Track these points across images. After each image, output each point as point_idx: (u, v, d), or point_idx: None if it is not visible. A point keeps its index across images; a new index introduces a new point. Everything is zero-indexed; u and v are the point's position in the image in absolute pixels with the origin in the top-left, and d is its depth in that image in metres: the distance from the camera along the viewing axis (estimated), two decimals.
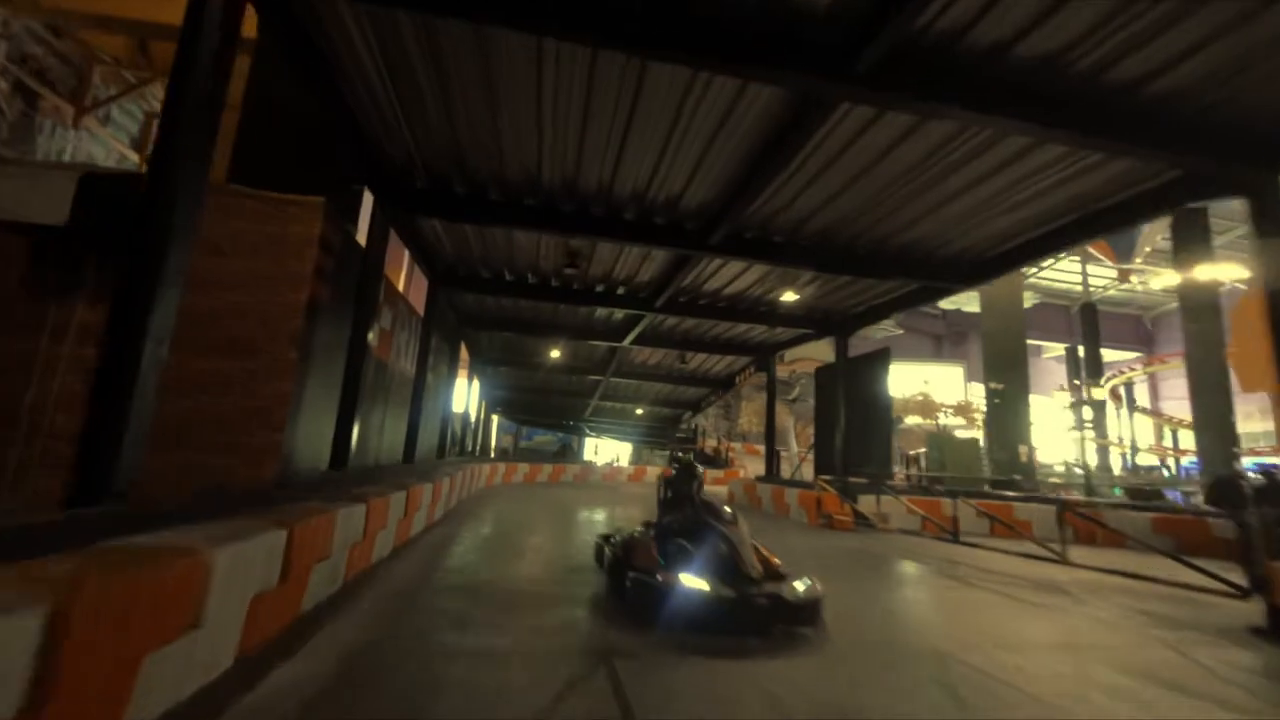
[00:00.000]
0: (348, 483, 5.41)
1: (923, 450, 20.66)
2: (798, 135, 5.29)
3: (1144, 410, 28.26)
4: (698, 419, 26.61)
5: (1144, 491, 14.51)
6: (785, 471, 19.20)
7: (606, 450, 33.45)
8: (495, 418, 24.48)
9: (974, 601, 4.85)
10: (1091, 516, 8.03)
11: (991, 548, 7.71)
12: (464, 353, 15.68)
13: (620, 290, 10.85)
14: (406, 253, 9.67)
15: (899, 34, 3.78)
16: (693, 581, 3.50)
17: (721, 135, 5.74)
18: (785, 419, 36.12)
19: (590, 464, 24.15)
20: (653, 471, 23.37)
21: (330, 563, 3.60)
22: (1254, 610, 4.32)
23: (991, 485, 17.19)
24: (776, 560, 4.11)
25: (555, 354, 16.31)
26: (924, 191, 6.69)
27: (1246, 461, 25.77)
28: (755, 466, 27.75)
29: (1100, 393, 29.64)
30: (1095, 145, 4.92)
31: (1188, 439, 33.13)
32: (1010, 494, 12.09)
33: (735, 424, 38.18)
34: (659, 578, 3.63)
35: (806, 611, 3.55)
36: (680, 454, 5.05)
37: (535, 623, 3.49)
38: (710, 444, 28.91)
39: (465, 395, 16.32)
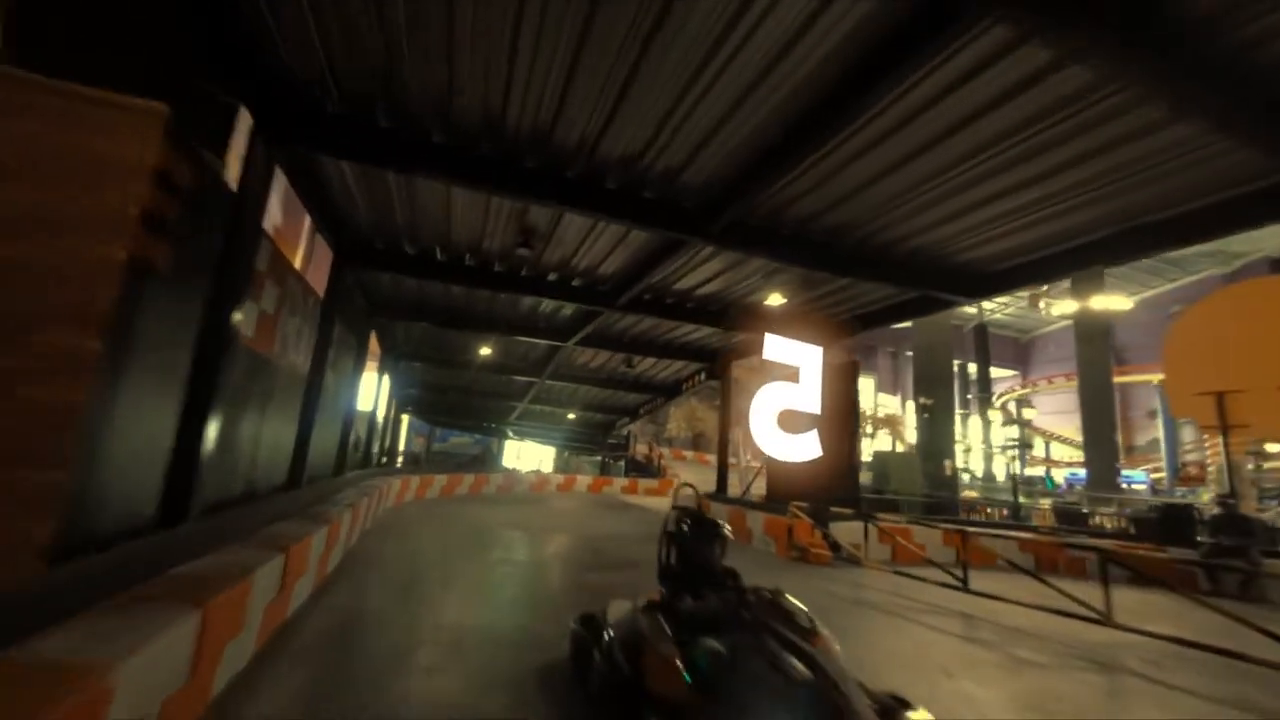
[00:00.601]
0: (178, 549, 3.41)
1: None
2: (859, 101, 4.02)
3: (1030, 425, 30.31)
4: (631, 426, 25.27)
5: (1071, 513, 14.90)
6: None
7: (529, 454, 31.23)
8: (406, 418, 21.72)
9: None
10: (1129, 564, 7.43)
11: (1016, 600, 6.37)
12: (374, 345, 13.24)
13: (576, 282, 9.16)
14: (307, 219, 7.41)
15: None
16: None
17: (761, 90, 4.35)
18: (712, 423, 35.82)
19: (514, 472, 22.06)
20: (583, 481, 21.69)
21: None
22: None
23: (926, 502, 17.18)
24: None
25: (486, 351, 14.24)
26: (952, 195, 5.72)
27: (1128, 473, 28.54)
28: (689, 474, 26.92)
29: (994, 411, 31.78)
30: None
31: (1058, 450, 36.65)
32: (1035, 531, 11.46)
33: (663, 429, 37.39)
34: None
35: None
36: (681, 507, 3.22)
37: None
38: (641, 450, 27.69)
39: (374, 394, 13.84)
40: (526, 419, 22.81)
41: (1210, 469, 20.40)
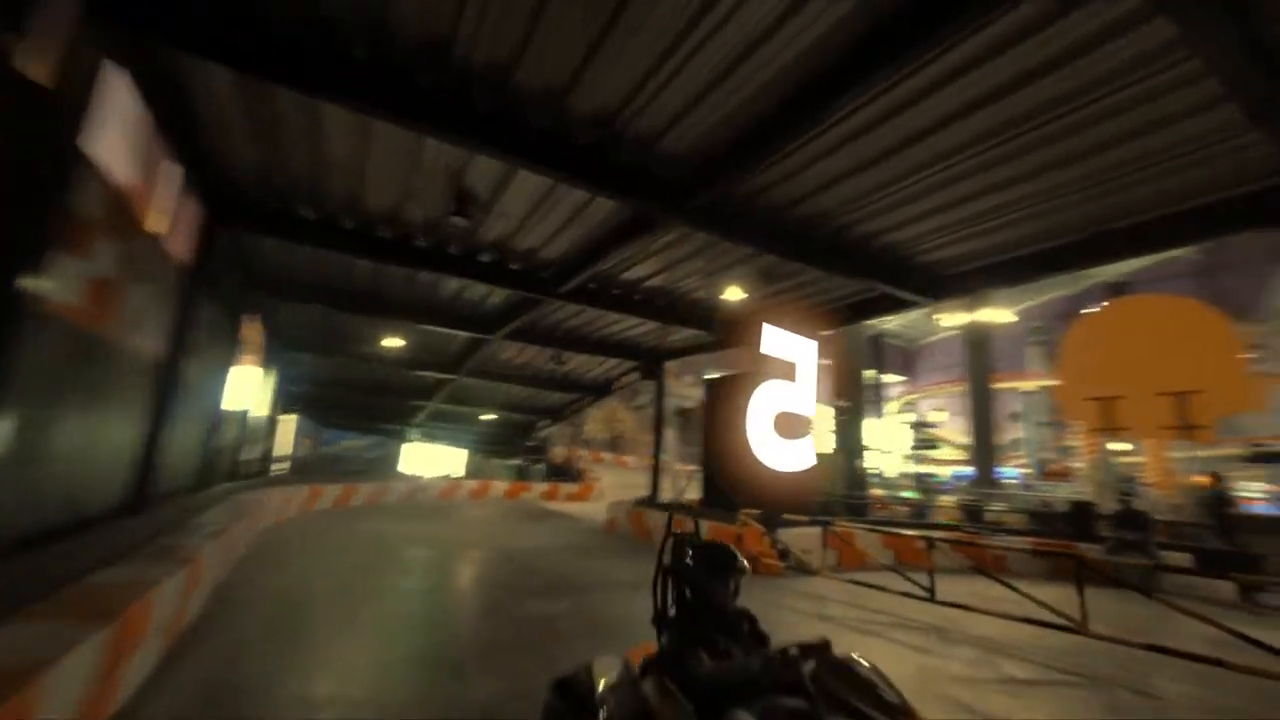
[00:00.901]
0: None
1: None
2: (859, 82, 3.51)
3: (935, 427, 32.87)
4: (552, 427, 24.01)
5: (973, 509, 15.83)
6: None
7: (437, 458, 28.77)
8: (294, 418, 18.99)
9: None
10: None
11: (987, 610, 5.92)
12: (256, 331, 11.10)
13: (515, 265, 8.03)
14: (173, 165, 5.69)
15: None
16: None
17: (757, 57, 3.74)
18: (632, 424, 35.45)
19: (419, 479, 19.97)
20: (499, 487, 20.16)
21: None
22: None
23: (848, 502, 17.63)
24: None
25: (395, 343, 12.50)
26: (928, 193, 5.49)
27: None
28: (609, 478, 26.02)
29: (896, 415, 34.19)
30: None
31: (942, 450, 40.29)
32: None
33: (579, 430, 36.30)
34: None
35: None
36: (680, 533, 2.25)
37: None
38: (560, 453, 26.49)
39: (254, 390, 11.63)
40: (437, 420, 20.81)
41: (1078, 466, 22.77)
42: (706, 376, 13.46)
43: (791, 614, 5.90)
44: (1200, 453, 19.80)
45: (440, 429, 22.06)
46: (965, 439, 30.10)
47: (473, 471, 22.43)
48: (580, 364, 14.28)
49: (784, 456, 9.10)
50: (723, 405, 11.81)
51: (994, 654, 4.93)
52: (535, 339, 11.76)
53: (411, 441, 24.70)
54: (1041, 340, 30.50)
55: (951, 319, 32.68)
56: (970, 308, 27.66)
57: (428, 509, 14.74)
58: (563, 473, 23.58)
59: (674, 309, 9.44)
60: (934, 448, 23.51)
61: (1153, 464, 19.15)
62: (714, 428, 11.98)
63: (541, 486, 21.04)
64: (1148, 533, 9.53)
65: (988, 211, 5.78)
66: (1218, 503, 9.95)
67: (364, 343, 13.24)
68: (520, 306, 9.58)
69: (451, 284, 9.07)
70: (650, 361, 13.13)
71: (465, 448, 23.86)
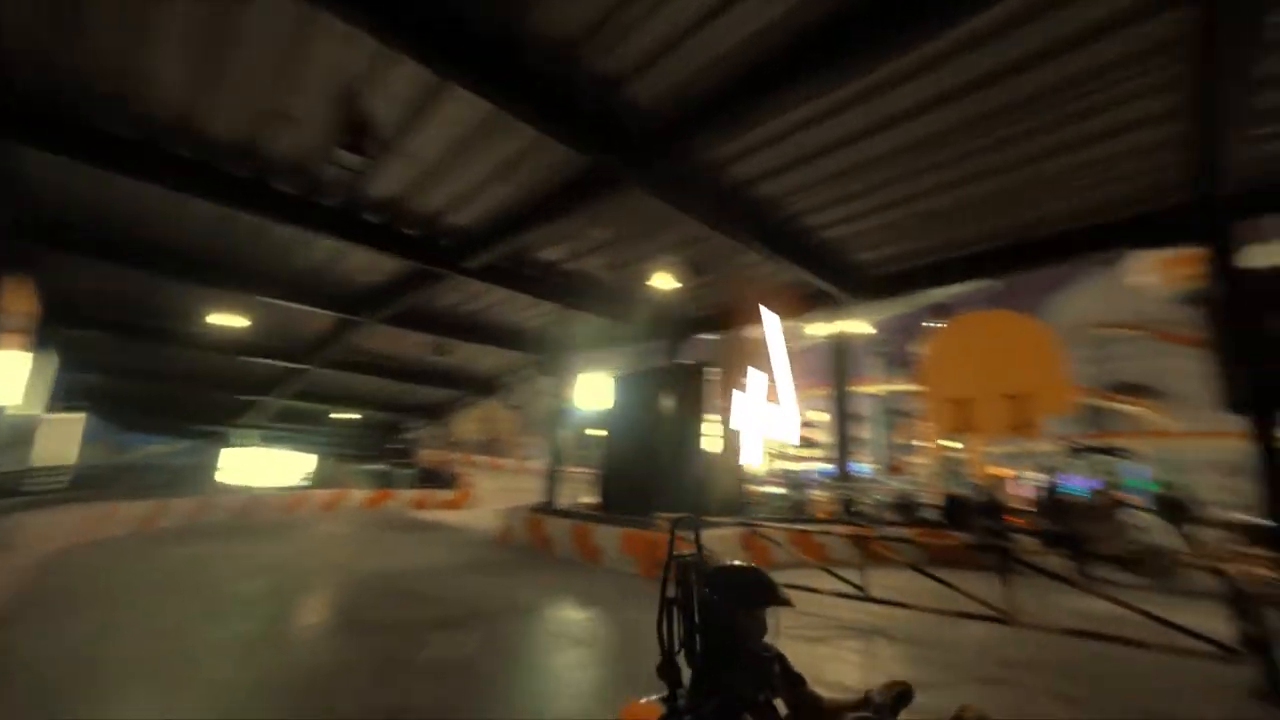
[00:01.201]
0: None
1: None
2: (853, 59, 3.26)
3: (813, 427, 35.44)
4: (425, 428, 21.65)
5: (848, 502, 17.01)
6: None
7: (270, 464, 24.41)
8: (81, 417, 14.75)
9: None
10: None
11: (918, 606, 5.81)
12: (19, 295, 8.11)
13: (411, 231, 6.65)
14: None
15: None
16: None
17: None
18: (506, 424, 33.62)
19: (249, 491, 16.56)
20: (357, 496, 17.59)
21: None
22: None
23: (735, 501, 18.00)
24: None
25: (235, 321, 10.01)
26: (879, 188, 5.49)
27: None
28: (488, 483, 24.08)
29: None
30: None
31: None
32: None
33: (448, 431, 33.60)
34: None
35: None
36: (682, 556, 1.57)
37: None
38: (430, 456, 24.09)
39: (20, 380, 8.49)
40: (282, 420, 17.55)
41: (920, 462, 25.67)
42: (617, 373, 12.79)
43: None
44: (997, 449, 23.31)
45: (283, 431, 18.72)
46: (825, 438, 32.97)
47: (324, 479, 19.32)
48: (469, 355, 12.72)
49: (699, 455, 8.74)
50: (634, 403, 11.23)
51: (949, 653, 4.84)
52: (419, 324, 10.18)
53: (241, 446, 20.62)
54: (882, 351, 34.07)
55: (818, 329, 35.82)
56: (835, 318, 30.42)
57: (269, 527, 12.19)
58: (435, 478, 21.36)
59: (592, 295, 8.62)
60: (815, 446, 25.18)
61: (974, 460, 22.19)
62: (624, 427, 11.34)
63: (410, 494, 18.78)
64: (1001, 520, 10.72)
65: (918, 215, 5.87)
66: (1051, 491, 11.50)
67: (187, 319, 10.47)
68: (409, 283, 8.09)
69: (322, 248, 7.34)
70: (554, 355, 12.12)
71: (314, 452, 20.56)
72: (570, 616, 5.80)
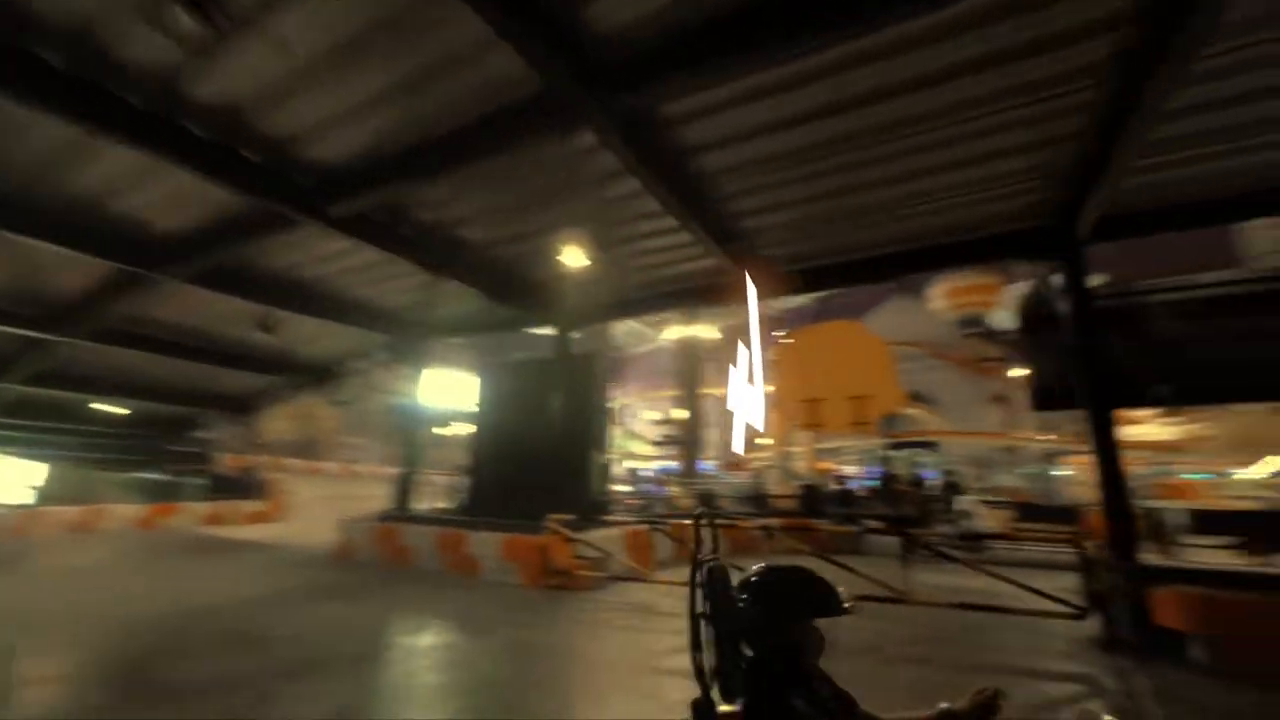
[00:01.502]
0: None
1: None
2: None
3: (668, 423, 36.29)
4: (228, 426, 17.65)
5: (706, 495, 17.67)
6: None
7: None
8: None
9: None
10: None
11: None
12: None
13: (257, 157, 5.04)
14: None
15: None
16: None
17: None
18: (329, 423, 29.47)
19: None
20: (123, 513, 13.70)
21: None
22: None
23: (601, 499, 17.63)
24: None
25: None
26: (793, 183, 5.54)
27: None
28: (308, 491, 20.47)
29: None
30: None
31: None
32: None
33: (253, 431, 28.37)
34: None
35: None
36: (710, 560, 1.31)
37: None
38: (231, 461, 19.88)
39: None
40: (10, 413, 12.76)
41: (757, 458, 27.69)
42: (491, 365, 11.55)
43: (625, 634, 5.04)
44: (828, 444, 26.22)
45: (13, 430, 13.75)
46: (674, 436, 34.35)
47: (71, 493, 14.62)
48: (303, 333, 10.44)
49: (592, 453, 8.15)
50: (512, 397, 10.18)
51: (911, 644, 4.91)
52: (239, 289, 8.06)
53: None
54: (717, 357, 36.41)
55: (670, 332, 37.17)
56: (685, 322, 31.82)
57: None
58: (237, 486, 17.60)
59: (476, 269, 7.52)
60: (678, 444, 25.93)
61: (807, 455, 24.64)
62: (498, 423, 10.22)
63: (201, 508, 15.12)
64: (856, 507, 11.82)
65: (826, 213, 6.03)
66: (887, 481, 13.02)
67: None
68: (236, 229, 6.22)
69: (108, 165, 5.28)
70: (411, 339, 10.55)
71: (59, 457, 15.53)
72: (457, 647, 4.79)
